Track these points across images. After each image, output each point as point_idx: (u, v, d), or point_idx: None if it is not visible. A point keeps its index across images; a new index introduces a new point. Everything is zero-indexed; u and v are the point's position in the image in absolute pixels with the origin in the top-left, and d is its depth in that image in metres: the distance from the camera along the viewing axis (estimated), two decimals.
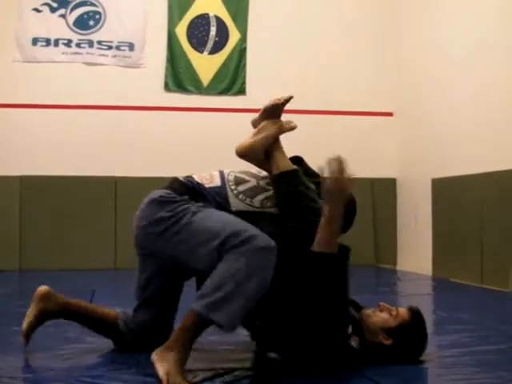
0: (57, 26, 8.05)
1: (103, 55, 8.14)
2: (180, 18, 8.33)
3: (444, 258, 7.11)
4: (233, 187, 2.93)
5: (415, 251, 7.94)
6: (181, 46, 8.32)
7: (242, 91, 8.41)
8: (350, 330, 2.94)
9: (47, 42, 8.02)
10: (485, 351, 3.26)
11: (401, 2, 8.49)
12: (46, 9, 8.03)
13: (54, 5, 8.06)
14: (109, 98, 8.07)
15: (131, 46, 8.20)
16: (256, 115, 3.39)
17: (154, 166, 7.85)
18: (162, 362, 2.55)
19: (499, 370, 2.90)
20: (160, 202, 2.83)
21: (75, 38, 8.09)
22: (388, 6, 8.63)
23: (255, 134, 3.20)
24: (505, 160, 6.02)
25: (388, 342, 2.95)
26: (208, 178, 2.97)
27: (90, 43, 8.12)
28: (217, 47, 8.40)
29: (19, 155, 7.81)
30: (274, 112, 3.31)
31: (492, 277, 6.10)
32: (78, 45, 8.10)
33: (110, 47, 8.16)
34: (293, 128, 3.26)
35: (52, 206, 7.74)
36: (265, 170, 3.12)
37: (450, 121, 7.14)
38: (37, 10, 8.00)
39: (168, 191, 2.88)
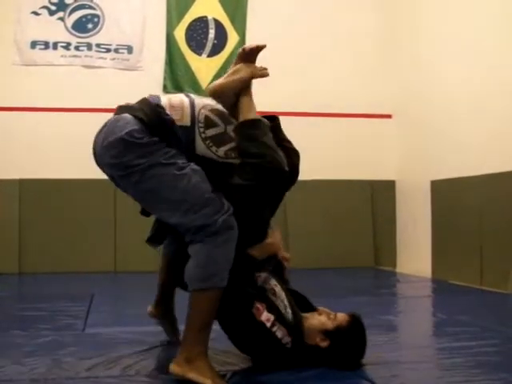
0: (55, 29, 8.05)
1: (102, 58, 8.14)
2: (178, 21, 8.34)
3: (443, 259, 7.12)
4: (202, 130, 2.80)
5: (414, 253, 7.94)
6: (179, 49, 8.32)
7: None
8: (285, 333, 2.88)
9: (46, 45, 8.02)
10: (485, 353, 3.26)
11: (400, 5, 8.50)
12: (44, 12, 8.03)
13: (53, 8, 8.06)
14: (107, 100, 8.02)
15: (130, 49, 8.20)
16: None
17: None
18: (193, 373, 2.65)
19: (500, 371, 2.90)
20: (129, 144, 2.67)
21: (74, 41, 8.09)
22: (387, 9, 8.63)
23: (229, 75, 3.09)
24: (504, 162, 6.03)
25: (324, 344, 2.93)
26: (179, 112, 2.80)
27: (89, 46, 8.12)
28: (215, 50, 8.40)
29: (18, 158, 7.81)
30: (249, 57, 3.26)
31: (491, 278, 6.10)
32: (77, 48, 8.10)
33: (108, 50, 8.16)
34: (265, 75, 3.17)
35: (51, 209, 7.73)
36: (231, 115, 3.00)
37: (449, 122, 7.14)
38: (35, 13, 8.00)
39: (137, 128, 2.70)
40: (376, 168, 8.56)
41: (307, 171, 8.27)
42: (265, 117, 3.18)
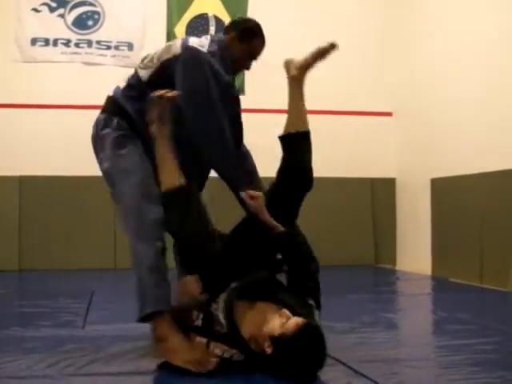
0: (56, 25, 8.03)
1: (102, 55, 8.13)
2: (179, 18, 8.32)
3: (443, 257, 7.12)
4: (140, 65, 3.38)
5: (415, 251, 7.94)
6: None
7: (240, 91, 8.40)
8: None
9: (46, 41, 8.01)
10: (484, 351, 3.26)
11: (400, 3, 8.49)
12: (44, 9, 8.01)
13: (53, 5, 8.04)
14: None
15: (130, 46, 8.19)
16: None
17: None
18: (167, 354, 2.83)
19: (499, 369, 2.90)
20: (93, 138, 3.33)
21: (74, 37, 8.07)
22: (387, 7, 8.62)
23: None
24: (504, 160, 6.02)
25: (268, 350, 2.71)
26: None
27: (89, 43, 8.10)
28: None
29: (18, 155, 7.80)
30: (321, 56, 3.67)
31: (491, 276, 6.11)
32: (77, 45, 8.08)
33: (108, 47, 8.14)
34: None
35: (51, 206, 7.73)
36: None
37: (450, 121, 7.14)
38: (36, 10, 7.98)
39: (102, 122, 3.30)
40: (376, 166, 8.55)
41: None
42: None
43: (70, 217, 7.76)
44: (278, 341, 2.69)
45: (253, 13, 8.40)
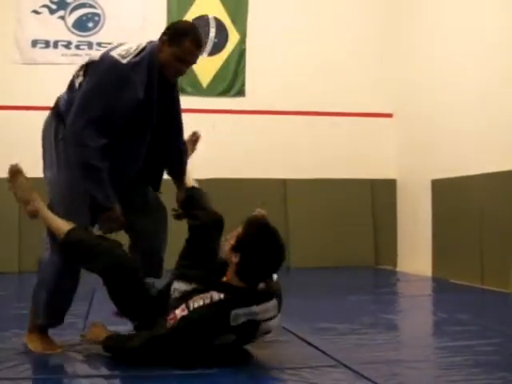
0: (56, 27, 8.04)
1: None
2: (179, 20, 8.32)
3: (444, 258, 7.11)
4: (77, 73, 3.59)
5: (415, 252, 7.94)
6: None
7: (241, 93, 8.41)
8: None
9: (46, 43, 8.02)
10: (485, 352, 3.26)
11: (401, 4, 8.49)
12: (45, 11, 8.03)
13: (54, 7, 8.05)
14: None
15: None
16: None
17: None
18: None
19: (499, 370, 2.90)
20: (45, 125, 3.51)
21: (74, 39, 8.09)
22: (388, 8, 8.62)
23: None
24: (504, 161, 6.02)
25: (236, 259, 2.94)
26: None
27: (90, 45, 8.11)
28: (216, 49, 8.40)
29: (18, 157, 7.75)
30: None
31: (492, 277, 6.10)
32: (78, 46, 8.10)
33: None
34: None
35: None
36: None
37: (450, 122, 7.13)
38: (36, 11, 7.99)
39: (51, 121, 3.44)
40: (377, 167, 8.55)
41: (308, 170, 8.34)
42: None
43: None
44: (238, 244, 2.93)
45: (253, 15, 8.43)
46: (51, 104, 3.58)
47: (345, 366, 2.98)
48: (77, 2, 8.11)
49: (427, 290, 6.41)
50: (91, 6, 8.15)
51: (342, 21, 8.62)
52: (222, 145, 8.19)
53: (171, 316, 2.91)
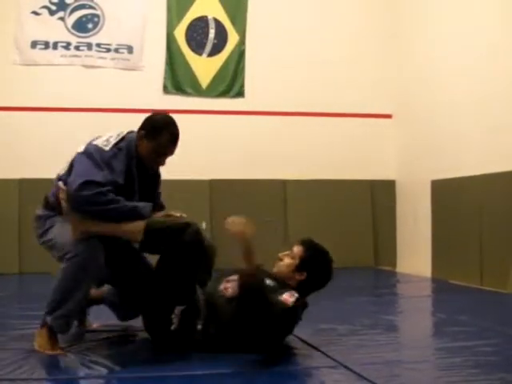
0: (56, 28, 8.04)
1: (102, 58, 8.14)
2: (179, 21, 8.33)
3: (443, 259, 7.12)
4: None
5: (415, 253, 7.94)
6: (180, 49, 8.32)
7: (240, 94, 8.41)
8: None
9: (46, 44, 8.02)
10: (484, 353, 3.26)
11: (401, 6, 8.49)
12: (45, 12, 8.03)
13: (53, 8, 8.05)
14: (108, 100, 8.07)
15: (130, 49, 8.20)
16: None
17: None
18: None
19: (498, 371, 2.90)
20: (37, 218, 3.54)
21: (74, 40, 8.09)
22: (388, 9, 8.62)
23: None
24: (504, 162, 6.03)
25: (303, 276, 3.40)
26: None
27: (89, 46, 8.12)
28: (215, 50, 8.40)
29: (18, 158, 7.80)
30: None
31: (491, 278, 6.11)
32: (77, 47, 8.10)
33: (108, 50, 8.16)
34: None
35: None
36: None
37: (449, 122, 7.14)
38: (36, 12, 7.99)
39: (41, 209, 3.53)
40: (376, 168, 8.56)
41: (307, 171, 8.34)
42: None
43: None
44: (303, 264, 3.40)
45: (253, 16, 8.43)
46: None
47: (345, 367, 2.98)
48: (76, 3, 8.12)
49: (427, 290, 6.41)
50: (91, 7, 8.15)
51: (342, 22, 8.62)
52: (222, 146, 8.20)
53: (284, 297, 3.22)
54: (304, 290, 3.41)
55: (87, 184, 3.16)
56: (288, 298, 3.22)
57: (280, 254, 3.51)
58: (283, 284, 3.38)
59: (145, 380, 2.83)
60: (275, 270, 3.47)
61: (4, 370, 2.89)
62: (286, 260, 3.46)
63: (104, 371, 2.92)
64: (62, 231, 3.32)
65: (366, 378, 2.79)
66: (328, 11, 8.61)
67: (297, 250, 3.47)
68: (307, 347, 3.40)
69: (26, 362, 3.03)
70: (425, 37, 7.81)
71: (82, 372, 2.92)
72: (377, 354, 3.25)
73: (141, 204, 3.28)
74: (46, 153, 7.86)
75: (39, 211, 3.52)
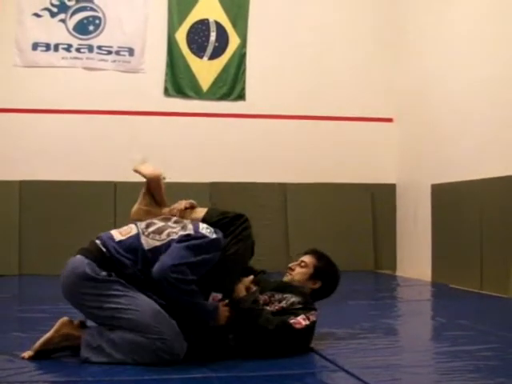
0: (57, 30, 8.05)
1: (103, 60, 8.15)
2: (180, 23, 8.34)
3: (443, 263, 7.11)
4: (144, 230, 3.31)
5: (415, 257, 7.94)
6: (181, 51, 8.32)
7: (241, 96, 8.42)
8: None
9: (47, 46, 8.03)
10: (484, 357, 3.26)
11: (402, 9, 8.49)
12: (46, 14, 8.04)
13: (54, 10, 8.07)
14: (108, 102, 8.07)
15: (131, 51, 8.21)
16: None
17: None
18: None
19: (498, 375, 2.90)
20: (86, 278, 3.15)
21: (75, 42, 8.10)
22: (389, 13, 8.62)
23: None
24: (504, 166, 6.03)
25: (317, 284, 3.55)
26: (127, 229, 3.36)
27: (90, 48, 8.13)
28: (216, 52, 8.40)
29: (19, 160, 7.80)
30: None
31: (491, 283, 6.10)
32: (78, 50, 8.10)
33: (109, 52, 8.16)
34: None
35: (51, 210, 7.73)
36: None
37: (450, 127, 7.14)
38: (37, 15, 8.00)
39: (91, 267, 3.16)
40: (377, 171, 8.56)
41: (308, 174, 8.34)
42: None
43: (70, 221, 7.75)
44: (317, 273, 3.54)
45: (254, 19, 8.44)
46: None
47: (344, 370, 2.98)
48: (78, 6, 8.13)
49: (427, 294, 6.40)
50: (92, 10, 8.16)
51: (343, 26, 8.63)
52: (222, 149, 8.20)
53: (294, 320, 3.26)
54: (315, 297, 3.55)
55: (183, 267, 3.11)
56: (301, 320, 3.28)
57: (290, 265, 3.62)
58: (303, 293, 3.47)
59: (145, 381, 2.82)
60: (286, 279, 3.57)
61: (4, 373, 2.88)
62: (299, 269, 3.57)
63: (104, 373, 2.92)
64: (143, 309, 3.11)
65: (365, 382, 2.78)
66: (330, 16, 8.61)
67: (309, 259, 3.59)
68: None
69: (26, 364, 3.02)
70: (427, 41, 7.80)
71: (82, 374, 2.91)
72: (376, 358, 3.25)
73: (210, 307, 3.20)
74: (46, 155, 7.87)
75: (89, 270, 3.17)
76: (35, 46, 8.00)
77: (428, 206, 7.46)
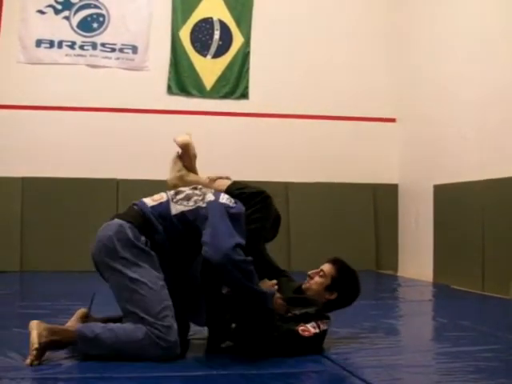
0: (61, 27, 8.06)
1: (107, 57, 8.16)
2: (184, 22, 8.34)
3: (445, 264, 7.11)
4: (173, 197, 3.43)
5: (416, 257, 7.94)
6: (184, 50, 8.33)
7: (244, 95, 8.42)
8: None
9: (51, 43, 8.04)
10: (485, 358, 3.26)
11: (405, 8, 8.49)
12: (50, 11, 8.05)
13: (59, 7, 8.07)
14: (112, 100, 8.08)
15: (135, 49, 8.21)
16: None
17: (156, 168, 7.82)
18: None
19: (500, 376, 2.90)
20: (126, 244, 3.24)
21: (79, 40, 8.10)
22: (391, 12, 8.63)
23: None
24: (507, 167, 6.02)
25: (333, 295, 3.49)
26: (158, 196, 3.47)
27: (94, 45, 8.13)
28: (220, 51, 8.41)
29: (21, 156, 7.81)
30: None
31: (493, 283, 6.10)
32: (82, 47, 8.11)
33: (113, 49, 8.17)
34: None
35: (53, 207, 7.74)
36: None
37: (453, 127, 7.14)
38: (41, 11, 8.01)
39: (133, 232, 3.25)
40: (379, 171, 8.56)
41: (310, 174, 8.34)
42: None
43: (72, 218, 7.76)
44: (335, 284, 3.49)
45: (258, 18, 8.44)
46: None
47: (346, 370, 2.98)
48: (82, 3, 8.13)
49: (428, 295, 6.40)
50: (96, 7, 8.17)
51: (347, 25, 8.64)
52: (225, 147, 8.19)
53: (303, 327, 3.25)
54: (331, 307, 3.52)
55: (239, 248, 3.11)
56: (311, 328, 3.27)
57: (310, 272, 3.57)
58: (314, 302, 3.45)
59: (147, 378, 2.82)
60: (304, 286, 3.53)
61: (5, 369, 2.89)
62: (317, 278, 3.52)
63: (105, 371, 2.92)
64: (155, 293, 3.15)
65: (366, 382, 2.79)
66: (333, 15, 8.62)
67: (328, 270, 3.54)
68: None
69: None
70: (428, 41, 7.80)
71: (82, 372, 2.92)
72: (377, 358, 3.24)
73: (268, 292, 3.22)
74: (49, 151, 7.88)
75: (129, 231, 3.25)
76: (39, 43, 8.00)
77: (430, 206, 7.46)
